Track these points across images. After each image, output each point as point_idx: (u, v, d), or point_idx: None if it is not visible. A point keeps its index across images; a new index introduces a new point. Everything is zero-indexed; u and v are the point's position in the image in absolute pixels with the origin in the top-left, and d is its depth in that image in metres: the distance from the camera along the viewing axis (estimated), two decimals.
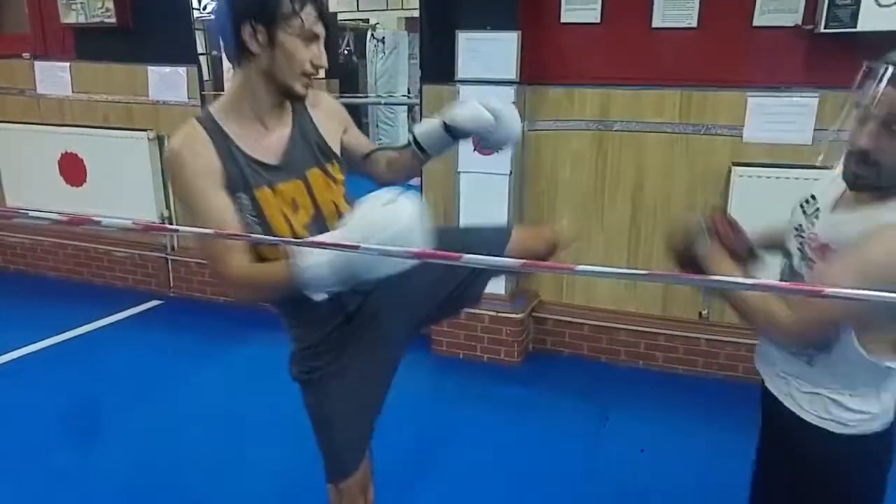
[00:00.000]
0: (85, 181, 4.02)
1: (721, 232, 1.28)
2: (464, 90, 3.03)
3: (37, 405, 2.79)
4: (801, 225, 1.24)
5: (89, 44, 3.93)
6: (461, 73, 3.01)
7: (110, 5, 3.72)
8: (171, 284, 4.01)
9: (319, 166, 1.36)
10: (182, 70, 3.77)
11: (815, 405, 1.22)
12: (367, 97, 8.88)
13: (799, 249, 1.24)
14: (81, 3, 3.79)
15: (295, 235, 1.28)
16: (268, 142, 1.30)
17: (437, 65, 3.17)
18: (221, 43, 1.27)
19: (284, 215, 1.28)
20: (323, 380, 1.45)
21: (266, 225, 1.27)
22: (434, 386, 3.12)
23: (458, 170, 3.11)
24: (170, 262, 3.99)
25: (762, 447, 1.42)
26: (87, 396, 2.88)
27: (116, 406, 2.80)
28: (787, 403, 1.27)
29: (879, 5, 2.45)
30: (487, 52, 2.96)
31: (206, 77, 7.85)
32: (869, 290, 0.93)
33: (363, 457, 1.56)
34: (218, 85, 7.27)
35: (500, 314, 3.17)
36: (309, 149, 1.36)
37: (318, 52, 1.25)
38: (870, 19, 2.45)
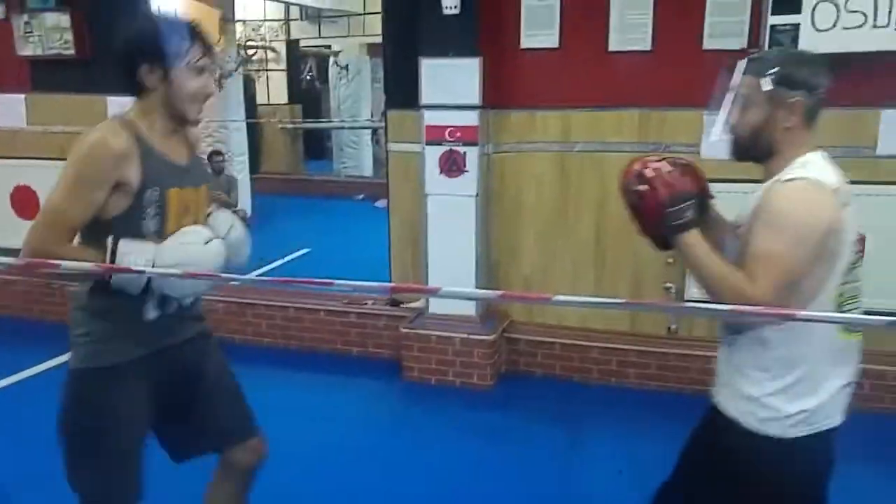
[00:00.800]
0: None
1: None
2: (428, 115, 3.07)
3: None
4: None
5: (46, 75, 3.86)
6: (425, 98, 3.05)
7: (69, 37, 3.68)
8: None
9: (207, 185, 1.58)
10: None
11: (740, 404, 1.32)
12: (330, 121, 8.94)
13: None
14: (39, 35, 3.74)
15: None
16: (175, 151, 1.49)
17: (402, 91, 3.21)
18: (119, 78, 1.44)
19: (177, 216, 1.46)
20: (124, 374, 1.44)
21: (162, 218, 1.43)
22: (404, 413, 3.08)
23: (426, 192, 3.13)
24: None
25: (692, 449, 1.50)
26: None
27: None
28: (718, 401, 1.37)
29: (817, 30, 2.57)
30: (450, 77, 3.01)
31: None
32: (784, 239, 1.18)
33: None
34: None
35: (471, 336, 3.17)
36: (203, 169, 1.62)
37: (206, 83, 1.45)
38: (809, 42, 2.57)
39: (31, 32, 3.72)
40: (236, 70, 6.59)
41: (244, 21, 8.03)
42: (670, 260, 3.00)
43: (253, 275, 4.31)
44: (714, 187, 2.99)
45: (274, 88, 8.85)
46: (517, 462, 2.59)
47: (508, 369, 3.32)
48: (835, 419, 1.30)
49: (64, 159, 1.31)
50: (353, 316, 3.49)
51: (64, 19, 3.64)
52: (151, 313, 1.43)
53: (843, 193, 1.25)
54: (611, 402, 3.05)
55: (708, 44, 2.86)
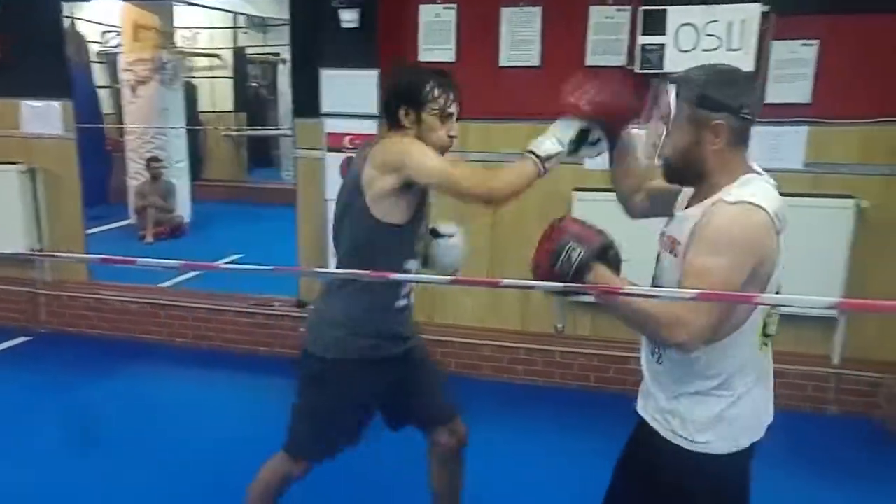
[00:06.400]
0: None
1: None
2: (328, 123, 3.20)
3: None
4: (663, 231, 1.40)
5: None
6: (325, 107, 3.18)
7: None
8: (43, 319, 3.91)
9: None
10: (57, 104, 3.77)
11: (668, 421, 1.35)
12: (265, 128, 9.01)
13: (660, 249, 1.40)
14: None
15: None
16: None
17: (306, 100, 3.33)
18: (385, 115, 1.74)
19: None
20: (370, 368, 1.76)
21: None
22: None
23: (326, 197, 3.25)
24: (40, 296, 3.91)
25: (624, 470, 1.52)
26: None
27: None
28: (649, 420, 1.40)
29: (680, 51, 2.79)
30: (350, 88, 3.15)
31: (109, 110, 7.75)
32: (721, 260, 1.17)
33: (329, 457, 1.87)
34: (120, 117, 7.18)
35: None
36: None
37: (451, 126, 1.70)
38: (673, 62, 2.79)
39: None
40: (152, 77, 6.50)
41: (190, 28, 8.05)
42: None
43: (174, 281, 4.37)
44: (594, 196, 3.15)
45: (219, 96, 8.88)
46: (399, 451, 2.68)
47: None
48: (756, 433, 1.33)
49: None
50: (259, 317, 3.58)
51: None
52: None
53: (780, 219, 1.23)
54: (498, 396, 3.19)
55: (591, 60, 3.06)
